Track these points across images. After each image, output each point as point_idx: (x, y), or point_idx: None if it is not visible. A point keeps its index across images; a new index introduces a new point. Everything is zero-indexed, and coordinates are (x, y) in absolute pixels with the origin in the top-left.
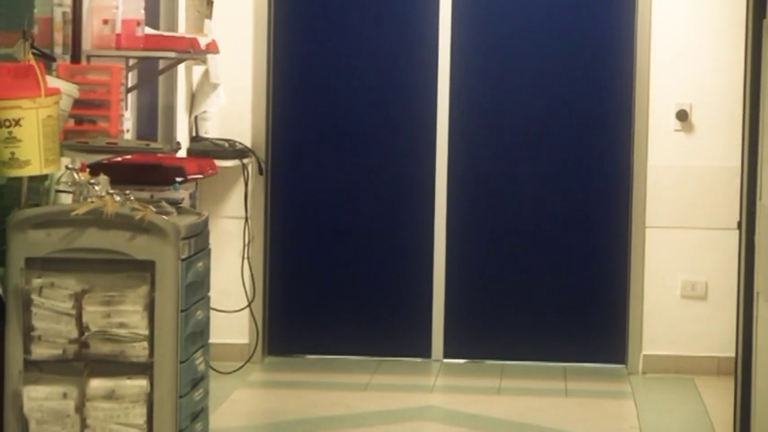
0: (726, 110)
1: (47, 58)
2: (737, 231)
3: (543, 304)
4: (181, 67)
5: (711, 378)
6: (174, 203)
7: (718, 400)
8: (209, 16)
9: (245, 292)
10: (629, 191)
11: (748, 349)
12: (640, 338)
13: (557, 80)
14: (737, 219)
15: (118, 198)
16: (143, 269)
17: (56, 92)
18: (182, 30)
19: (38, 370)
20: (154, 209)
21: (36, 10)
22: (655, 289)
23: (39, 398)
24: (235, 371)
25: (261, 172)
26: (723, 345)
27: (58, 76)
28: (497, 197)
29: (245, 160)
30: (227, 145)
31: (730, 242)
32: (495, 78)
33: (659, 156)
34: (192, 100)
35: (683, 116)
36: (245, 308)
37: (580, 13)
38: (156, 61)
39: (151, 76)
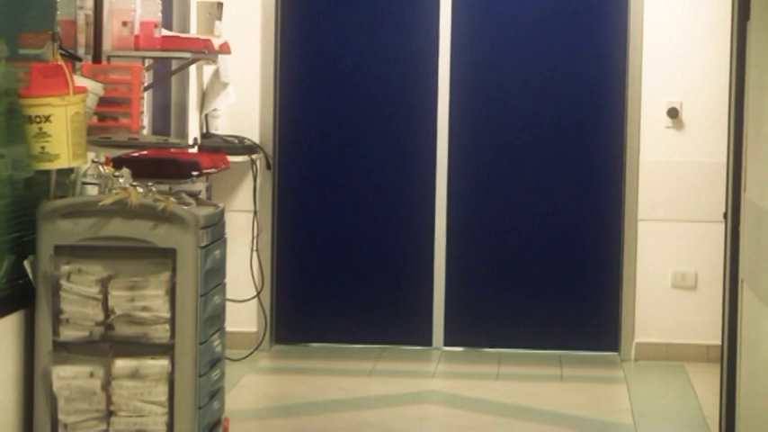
0: (714, 107)
1: (73, 59)
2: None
3: (540, 294)
4: (192, 67)
5: (701, 365)
6: (193, 195)
7: (707, 385)
8: (220, 18)
9: (254, 283)
10: (621, 185)
11: (734, 334)
12: (633, 327)
13: (553, 80)
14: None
15: (141, 190)
16: (165, 256)
17: (83, 90)
18: (193, 31)
19: (66, 351)
20: (175, 200)
21: (59, 12)
22: (646, 279)
23: (67, 377)
24: (244, 358)
25: (269, 167)
26: (712, 333)
27: (83, 75)
28: (496, 191)
29: (254, 156)
30: (236, 141)
31: (719, 234)
32: (493, 78)
33: (651, 151)
34: (203, 98)
35: (673, 113)
36: (253, 297)
37: (575, 14)
38: (170, 61)
39: (166, 76)
